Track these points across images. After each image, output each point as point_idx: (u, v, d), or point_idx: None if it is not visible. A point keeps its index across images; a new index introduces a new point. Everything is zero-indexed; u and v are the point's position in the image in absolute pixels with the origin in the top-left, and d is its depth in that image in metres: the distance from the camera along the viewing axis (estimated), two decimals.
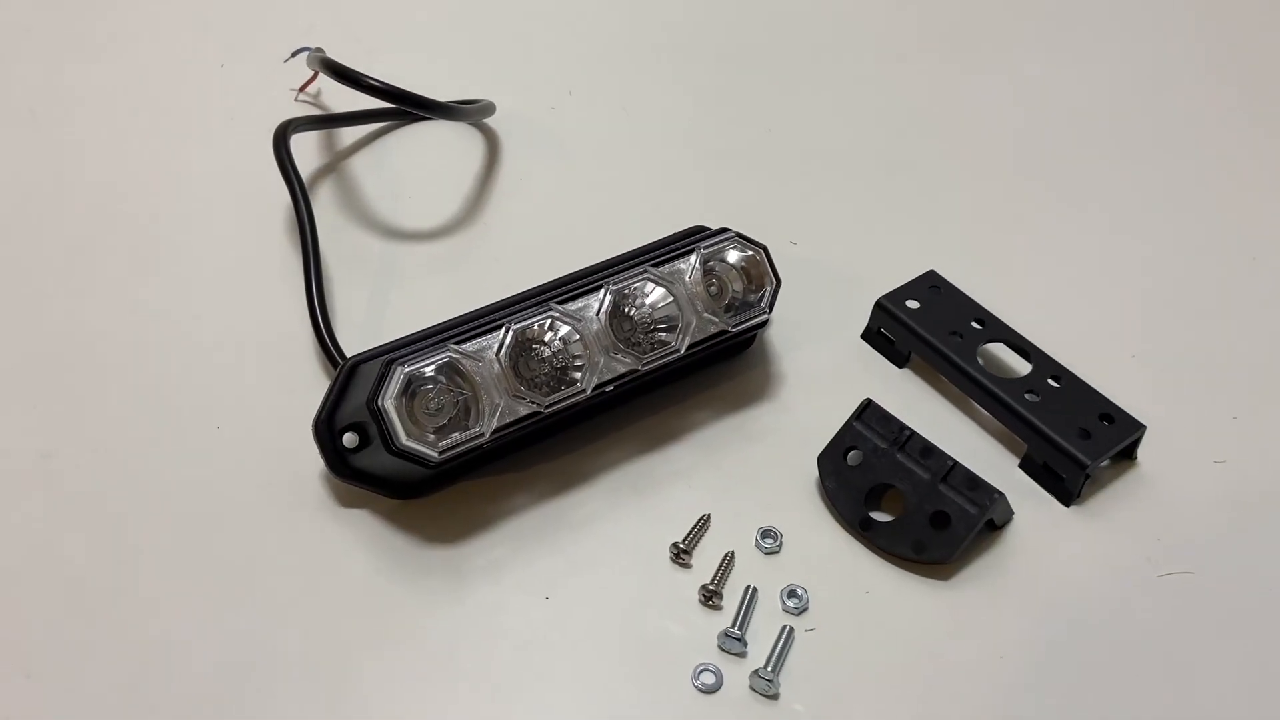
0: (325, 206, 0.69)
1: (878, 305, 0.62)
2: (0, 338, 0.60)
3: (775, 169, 0.74)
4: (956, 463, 0.53)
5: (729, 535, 0.54)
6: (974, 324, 0.61)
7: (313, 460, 0.53)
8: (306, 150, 0.72)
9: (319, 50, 0.71)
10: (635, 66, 0.82)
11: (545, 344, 0.52)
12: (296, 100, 0.76)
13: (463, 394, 0.50)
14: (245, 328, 0.61)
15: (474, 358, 0.50)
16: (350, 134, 0.75)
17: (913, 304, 0.62)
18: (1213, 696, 0.49)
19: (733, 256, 0.57)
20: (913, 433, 0.54)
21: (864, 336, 0.63)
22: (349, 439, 0.52)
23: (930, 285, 0.63)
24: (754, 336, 0.60)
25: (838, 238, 0.70)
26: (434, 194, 0.71)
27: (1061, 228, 0.71)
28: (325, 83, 0.72)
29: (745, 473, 0.56)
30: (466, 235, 0.69)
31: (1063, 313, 0.65)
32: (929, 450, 0.53)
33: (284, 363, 0.59)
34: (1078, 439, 0.55)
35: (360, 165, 0.73)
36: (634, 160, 0.74)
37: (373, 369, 0.50)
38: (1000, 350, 0.61)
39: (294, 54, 0.74)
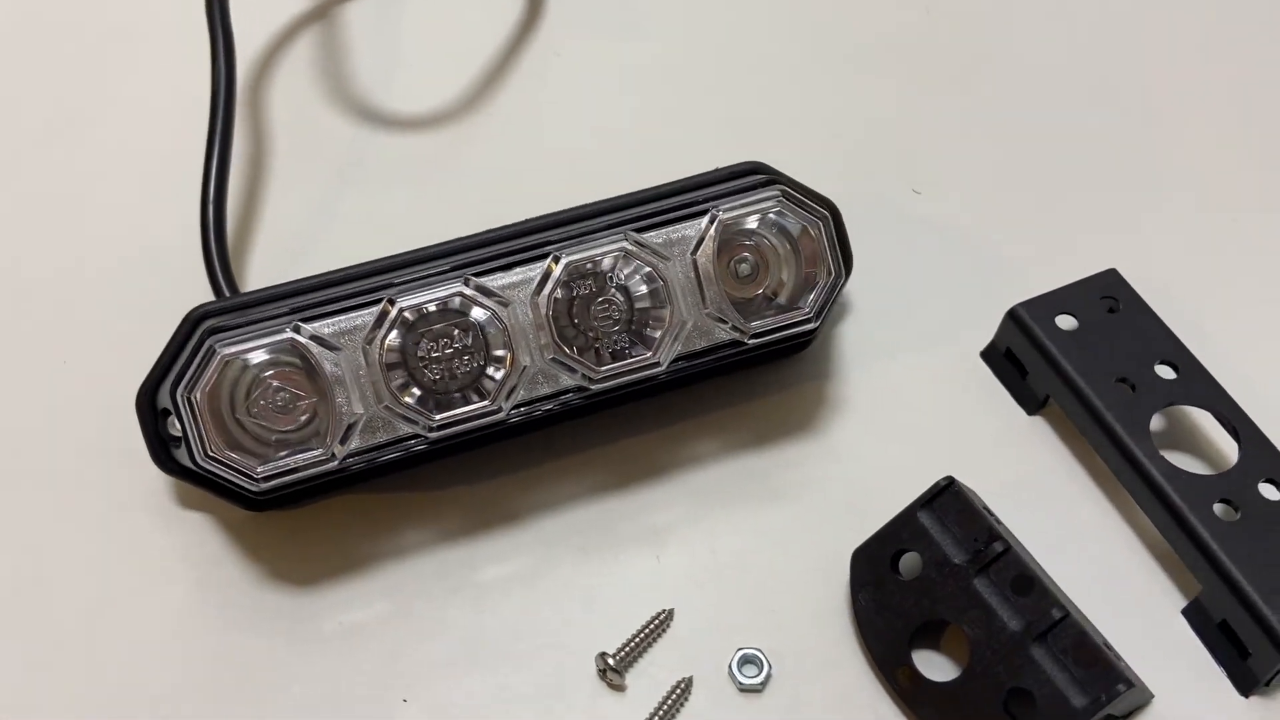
0: (289, 71, 0.52)
1: (1011, 315, 0.41)
2: None
3: (918, 75, 0.51)
4: (1068, 615, 0.32)
5: (697, 647, 0.36)
6: (1161, 369, 0.39)
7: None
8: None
9: None
10: None
11: (449, 333, 0.34)
12: None
13: (304, 398, 0.33)
14: (137, 234, 0.46)
15: (331, 344, 0.33)
16: None
17: (1067, 322, 0.40)
18: None
19: (766, 224, 0.36)
20: (1009, 548, 0.34)
21: (985, 356, 0.42)
22: (172, 423, 0.37)
23: (1105, 295, 0.41)
24: (808, 340, 0.41)
25: (990, 196, 0.47)
26: (436, 67, 0.53)
27: None
28: None
29: (749, 548, 0.38)
30: (461, 128, 0.51)
31: None
32: (1028, 583, 0.33)
33: (173, 291, 0.43)
34: None
35: (356, 15, 0.56)
36: (717, 45, 0.53)
37: (194, 341, 0.34)
38: (1196, 419, 0.39)
39: None
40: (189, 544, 0.38)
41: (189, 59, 0.47)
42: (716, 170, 0.39)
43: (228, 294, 0.40)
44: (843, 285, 0.38)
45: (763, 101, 0.51)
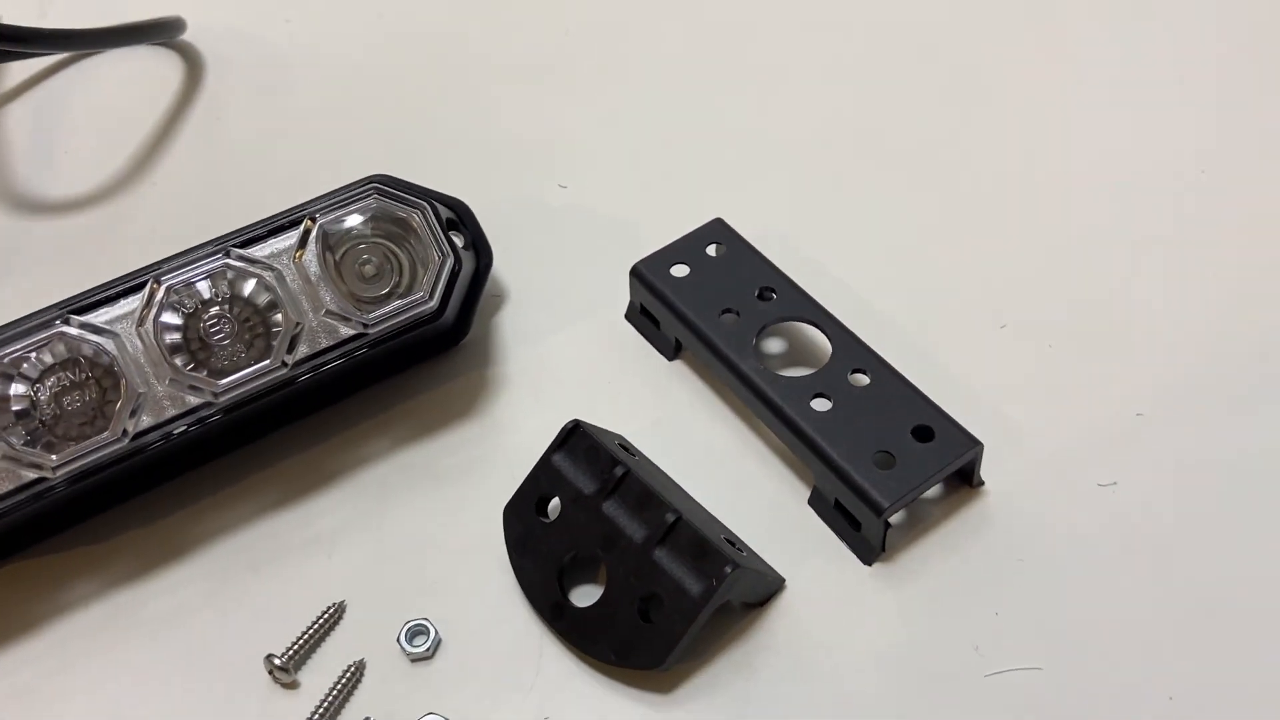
0: None
1: (633, 272, 0.44)
2: None
3: (558, 90, 0.55)
4: (680, 517, 0.35)
5: (370, 630, 0.37)
6: (764, 295, 0.43)
7: None
8: None
9: None
10: None
11: (54, 372, 0.35)
12: None
13: None
14: None
15: None
16: (17, 75, 0.58)
17: (680, 270, 0.44)
18: None
19: (361, 222, 0.39)
20: (628, 471, 0.37)
21: (628, 317, 0.46)
22: None
23: (713, 241, 0.45)
24: (463, 327, 0.43)
25: (621, 181, 0.51)
26: (97, 147, 0.54)
27: (915, 151, 0.51)
28: None
29: (415, 531, 0.40)
30: (125, 200, 0.52)
31: (907, 265, 0.47)
32: (648, 497, 0.36)
33: None
34: (877, 469, 0.37)
35: (11, 119, 0.56)
36: (369, 86, 0.56)
37: None
38: (799, 332, 0.43)
39: None
40: None
41: None
42: (338, 190, 0.42)
43: None
44: (482, 267, 0.41)
45: (414, 126, 0.54)
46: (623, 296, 0.46)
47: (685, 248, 0.45)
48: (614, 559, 0.36)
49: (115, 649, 0.37)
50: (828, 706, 0.35)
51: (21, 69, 0.59)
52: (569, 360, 0.45)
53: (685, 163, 0.52)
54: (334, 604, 0.38)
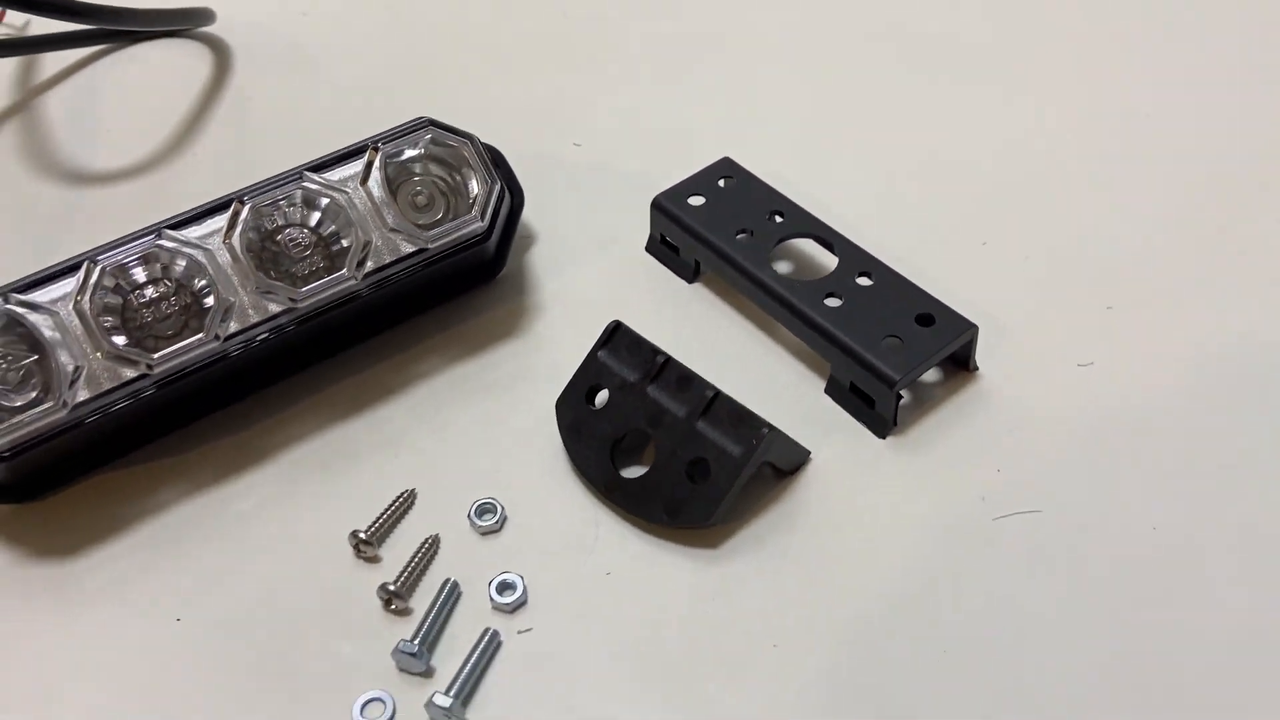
0: (4, 150, 0.57)
1: (654, 205, 0.49)
2: None
3: (558, 64, 0.61)
4: (719, 392, 0.40)
5: (439, 515, 0.41)
6: (773, 218, 0.48)
7: None
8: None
9: None
10: None
11: (155, 283, 0.39)
12: None
13: (29, 357, 0.37)
14: None
15: (45, 309, 0.37)
16: (52, 64, 0.62)
17: (697, 201, 0.49)
18: (1060, 672, 0.36)
19: (421, 150, 0.43)
20: (668, 359, 0.41)
21: (648, 249, 0.50)
22: None
23: (723, 176, 0.50)
24: (500, 259, 0.47)
25: (630, 135, 0.56)
26: (139, 125, 0.58)
27: (893, 99, 0.57)
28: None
29: (474, 433, 0.44)
30: (170, 169, 0.56)
31: (898, 199, 0.52)
32: (687, 379, 0.41)
33: None
34: (887, 350, 0.42)
35: (57, 100, 0.60)
36: (390, 63, 0.61)
37: None
38: (805, 247, 0.48)
39: None
40: None
41: None
42: (394, 128, 0.47)
43: None
44: (515, 207, 0.46)
45: (444, 97, 0.59)
46: (640, 233, 0.51)
47: (699, 181, 0.49)
48: (661, 433, 0.40)
49: (203, 543, 0.40)
50: (856, 554, 0.39)
51: (59, 59, 0.62)
52: (596, 288, 0.49)
53: (686, 117, 0.57)
54: (404, 492, 0.41)
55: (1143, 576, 0.38)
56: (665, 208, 0.49)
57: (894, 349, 0.42)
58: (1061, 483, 0.41)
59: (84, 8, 0.54)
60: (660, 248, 0.50)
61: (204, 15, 0.61)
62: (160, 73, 0.62)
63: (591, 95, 0.59)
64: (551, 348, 0.47)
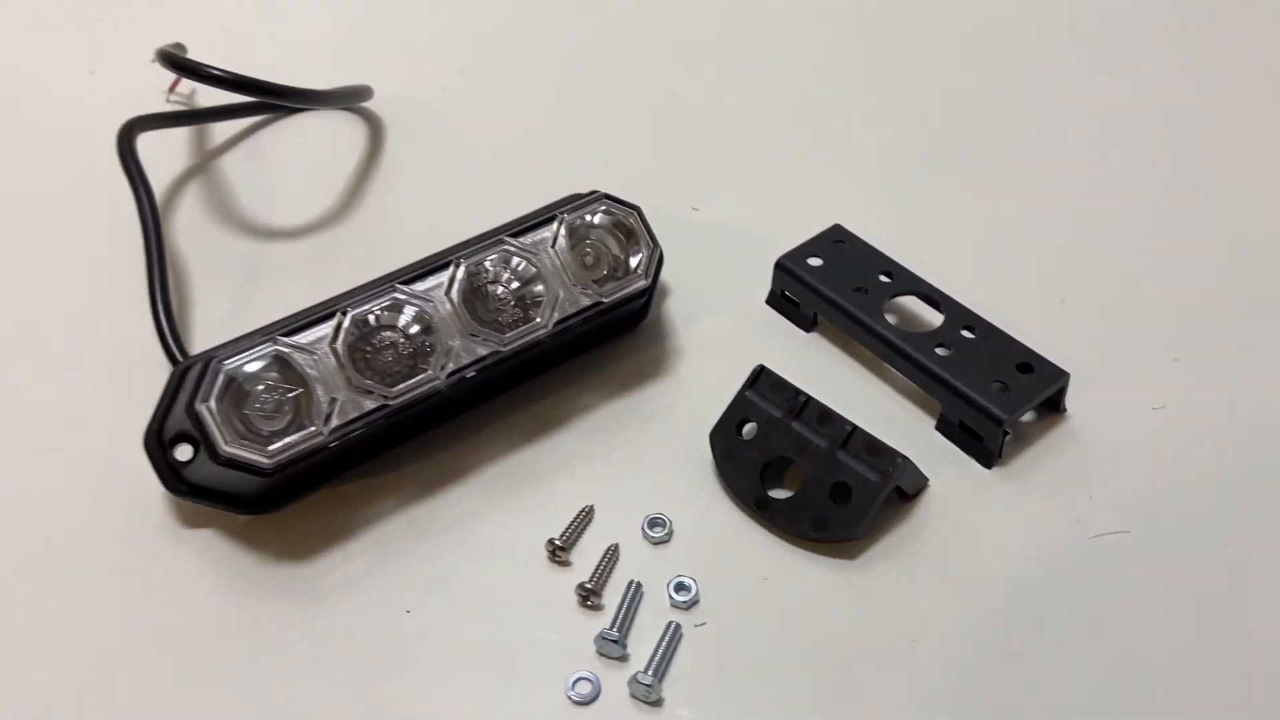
0: (191, 209, 0.65)
1: (778, 266, 0.57)
2: None
3: (676, 134, 0.69)
4: (856, 427, 0.47)
5: (615, 527, 0.48)
6: (881, 278, 0.56)
7: (153, 478, 0.48)
8: (174, 152, 0.68)
9: (178, 46, 0.66)
10: (527, 39, 0.77)
11: (392, 329, 0.47)
12: (168, 102, 0.72)
13: (293, 391, 0.45)
14: (96, 341, 0.56)
15: (307, 350, 0.45)
16: (225, 131, 0.70)
17: (815, 262, 0.57)
18: (1152, 668, 0.44)
19: (600, 219, 0.51)
20: (809, 398, 0.49)
21: (769, 302, 0.58)
22: (183, 451, 0.47)
23: (835, 240, 0.58)
24: (645, 309, 0.55)
25: (743, 200, 0.64)
26: (310, 187, 0.66)
27: (981, 171, 0.66)
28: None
29: (636, 458, 0.51)
30: (339, 229, 0.64)
31: (986, 261, 0.60)
32: (827, 416, 0.48)
33: (132, 374, 0.54)
34: (994, 393, 0.50)
35: (232, 164, 0.68)
36: (526, 138, 0.69)
37: (197, 370, 0.45)
38: (911, 304, 0.56)
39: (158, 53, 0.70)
40: (202, 552, 0.47)
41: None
42: (549, 204, 0.55)
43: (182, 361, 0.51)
44: (659, 256, 0.53)
45: (573, 165, 0.67)
46: (758, 288, 0.59)
47: (815, 245, 0.57)
48: (805, 461, 0.48)
49: (419, 548, 0.48)
50: (974, 564, 0.47)
51: (228, 126, 0.71)
52: (725, 336, 0.57)
53: (789, 184, 0.65)
54: (585, 507, 0.49)
55: (1217, 584, 0.46)
56: (788, 267, 0.56)
57: (999, 392, 0.50)
58: (1145, 507, 0.48)
59: (269, 87, 0.61)
60: (781, 301, 0.58)
61: (363, 92, 0.69)
62: (320, 141, 0.70)
63: (704, 163, 0.67)
64: (692, 387, 0.54)
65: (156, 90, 0.72)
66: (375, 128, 0.70)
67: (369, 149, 0.69)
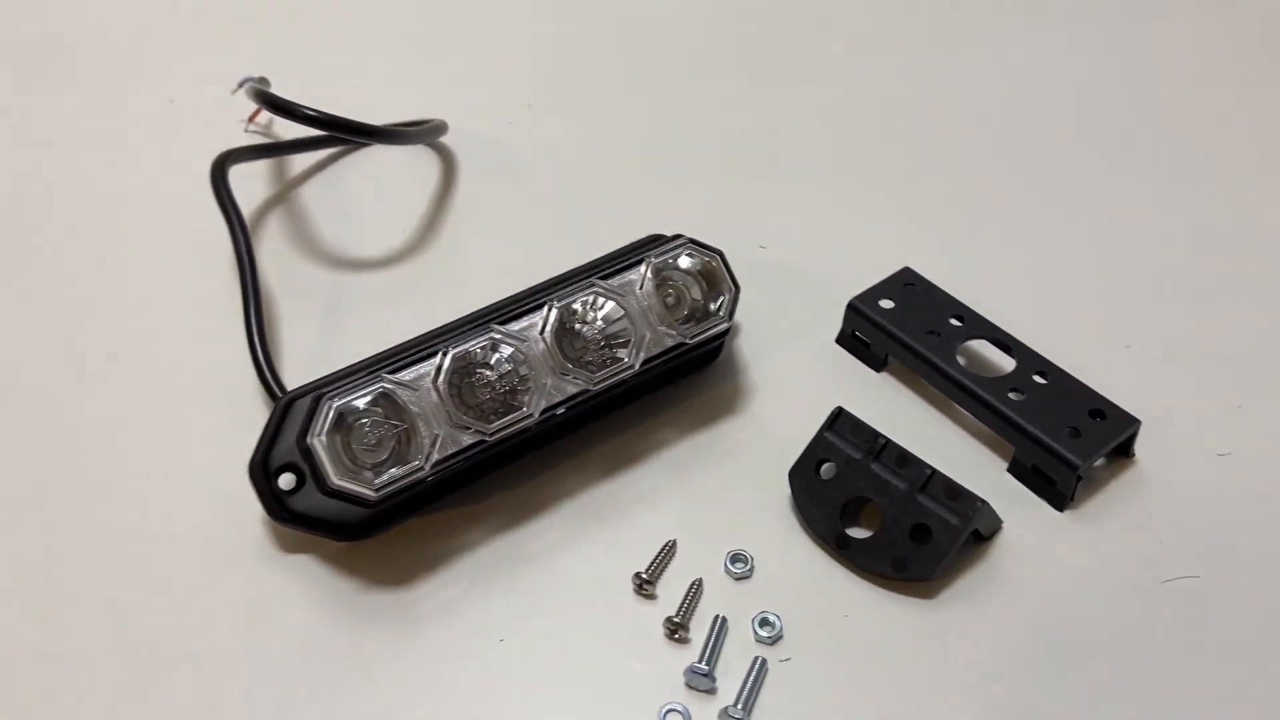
0: (273, 238, 0.67)
1: (850, 307, 0.59)
2: None
3: (742, 172, 0.71)
4: (935, 470, 0.49)
5: (697, 561, 0.50)
6: (953, 321, 0.57)
7: (254, 505, 0.50)
8: (255, 181, 0.70)
9: (262, 80, 0.69)
10: (595, 74, 0.79)
11: (489, 367, 0.49)
12: (246, 132, 0.74)
13: (399, 426, 0.46)
14: (191, 370, 0.58)
15: (410, 387, 0.47)
16: (301, 161, 0.72)
17: (887, 304, 0.58)
18: (1224, 711, 0.45)
19: (686, 263, 0.53)
20: (888, 441, 0.50)
21: (839, 341, 0.60)
22: (285, 480, 0.49)
23: (905, 283, 0.59)
24: (720, 347, 0.57)
25: (810, 240, 0.66)
26: (386, 219, 0.68)
27: (1047, 216, 0.67)
28: None
29: (714, 493, 0.53)
30: (420, 260, 0.66)
31: (1052, 306, 0.62)
32: (905, 459, 0.50)
33: (228, 404, 0.56)
34: (1067, 438, 0.51)
35: (310, 194, 0.70)
36: (595, 172, 0.71)
37: (306, 405, 0.47)
38: (982, 347, 0.58)
39: (240, 85, 0.72)
40: (300, 577, 0.49)
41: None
42: (630, 244, 0.57)
43: (280, 394, 0.53)
44: (738, 297, 0.55)
45: (641, 200, 0.69)
46: (826, 327, 0.60)
47: (887, 287, 0.59)
48: (884, 502, 0.49)
49: (510, 578, 0.49)
50: (1049, 604, 0.48)
51: (305, 158, 0.73)
52: (796, 373, 0.59)
53: (857, 224, 0.67)
54: (668, 541, 0.50)
55: None
56: (860, 309, 0.58)
57: (1073, 438, 0.51)
58: (1215, 552, 0.50)
59: (360, 128, 0.63)
60: (851, 341, 0.59)
61: (441, 128, 0.71)
62: (394, 172, 0.72)
63: (770, 201, 0.69)
64: (766, 424, 0.56)
65: (233, 119, 0.74)
66: (446, 160, 0.73)
67: (441, 182, 0.71)
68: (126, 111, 0.75)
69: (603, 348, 0.51)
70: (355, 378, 0.48)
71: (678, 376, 0.57)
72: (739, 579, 0.49)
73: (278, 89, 0.65)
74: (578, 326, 0.51)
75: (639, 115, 0.76)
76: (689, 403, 0.57)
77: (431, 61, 0.81)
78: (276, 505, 0.49)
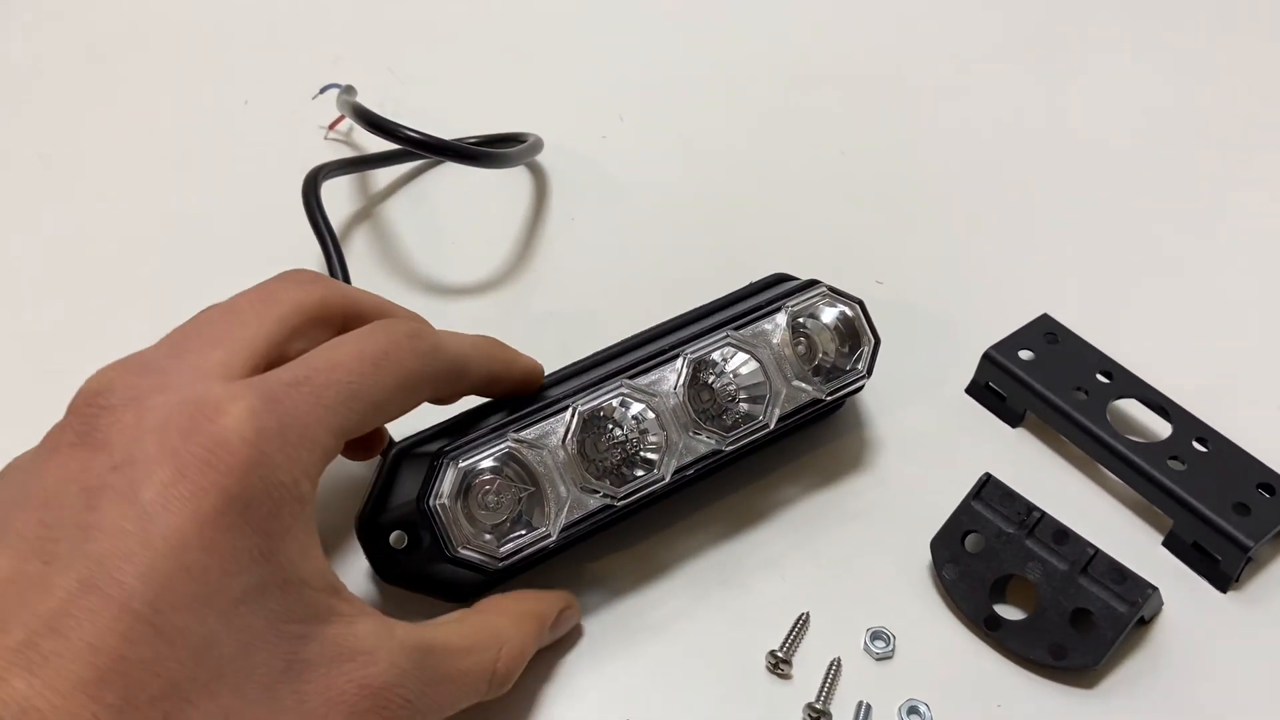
0: (359, 257, 0.63)
1: (986, 357, 0.55)
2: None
3: (855, 197, 0.67)
4: (1099, 550, 0.45)
5: (832, 636, 0.46)
6: (1100, 377, 0.53)
7: (354, 559, 0.46)
8: (337, 191, 0.66)
9: (349, 89, 0.65)
10: (691, 88, 0.75)
11: (618, 425, 0.45)
12: (326, 139, 0.71)
13: (526, 489, 0.43)
14: None
15: (536, 446, 0.43)
16: (385, 173, 0.69)
17: (1026, 355, 0.54)
18: None
19: (827, 315, 0.49)
20: (1043, 514, 0.47)
21: (969, 391, 0.56)
22: (395, 538, 0.45)
23: (1045, 332, 0.55)
24: (843, 399, 0.53)
25: (932, 276, 0.62)
26: (477, 240, 0.65)
27: (1202, 261, 0.63)
28: None
29: (845, 559, 0.49)
30: (515, 287, 0.62)
31: (1208, 363, 0.57)
32: (1064, 534, 0.46)
33: None
34: (1234, 514, 0.47)
35: (397, 209, 0.67)
36: (694, 195, 0.67)
37: (421, 460, 0.43)
38: (1133, 408, 0.54)
39: (323, 90, 0.69)
40: None
41: None
42: (753, 283, 0.53)
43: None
44: (878, 350, 0.51)
45: (743, 223, 0.65)
46: (952, 374, 0.56)
47: (1025, 336, 0.55)
48: (1041, 582, 0.45)
49: (633, 647, 0.46)
50: (1214, 697, 0.44)
51: (389, 171, 0.69)
52: (924, 426, 0.55)
53: (986, 263, 0.63)
54: (802, 614, 0.47)
55: None
56: (998, 360, 0.54)
57: (1241, 514, 0.47)
58: None
59: (462, 150, 0.59)
60: (983, 392, 0.55)
61: (535, 146, 0.67)
62: (481, 189, 0.68)
63: (885, 233, 0.65)
64: (897, 483, 0.52)
65: (312, 123, 0.71)
66: (538, 177, 0.69)
67: (533, 202, 0.67)
68: (200, 117, 0.72)
69: (734, 401, 0.47)
70: (475, 432, 0.44)
71: (800, 428, 0.53)
72: (880, 659, 0.46)
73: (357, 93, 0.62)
74: (709, 380, 0.47)
75: (736, 129, 0.72)
76: (810, 455, 0.53)
77: (516, 64, 0.77)
78: (386, 565, 0.45)
